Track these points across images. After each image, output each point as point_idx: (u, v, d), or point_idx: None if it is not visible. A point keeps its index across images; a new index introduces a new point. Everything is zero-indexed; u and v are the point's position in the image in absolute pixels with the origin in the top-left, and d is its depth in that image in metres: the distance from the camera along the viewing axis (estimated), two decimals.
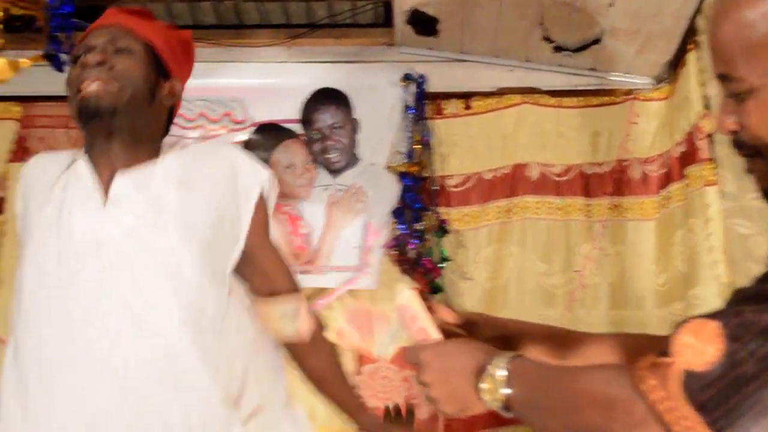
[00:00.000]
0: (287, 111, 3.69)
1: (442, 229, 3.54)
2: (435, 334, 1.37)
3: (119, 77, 1.74)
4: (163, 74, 1.84)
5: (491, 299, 3.62)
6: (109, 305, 1.63)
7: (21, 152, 3.81)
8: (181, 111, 3.68)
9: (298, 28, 3.79)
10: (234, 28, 3.84)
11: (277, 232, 3.69)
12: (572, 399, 1.11)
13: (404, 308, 1.39)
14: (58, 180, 1.77)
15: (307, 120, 3.69)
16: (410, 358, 1.31)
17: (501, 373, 1.18)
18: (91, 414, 1.59)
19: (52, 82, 3.27)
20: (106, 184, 1.74)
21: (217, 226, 1.74)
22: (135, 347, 1.61)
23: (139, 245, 1.67)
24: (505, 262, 3.65)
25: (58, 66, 2.68)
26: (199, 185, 1.76)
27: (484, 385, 1.19)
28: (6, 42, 2.53)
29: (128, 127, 1.76)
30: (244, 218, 1.79)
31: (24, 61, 2.63)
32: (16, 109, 3.85)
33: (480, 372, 1.20)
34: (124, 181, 1.73)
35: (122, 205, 1.71)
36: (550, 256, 3.65)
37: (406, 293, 1.41)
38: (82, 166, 1.76)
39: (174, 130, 3.64)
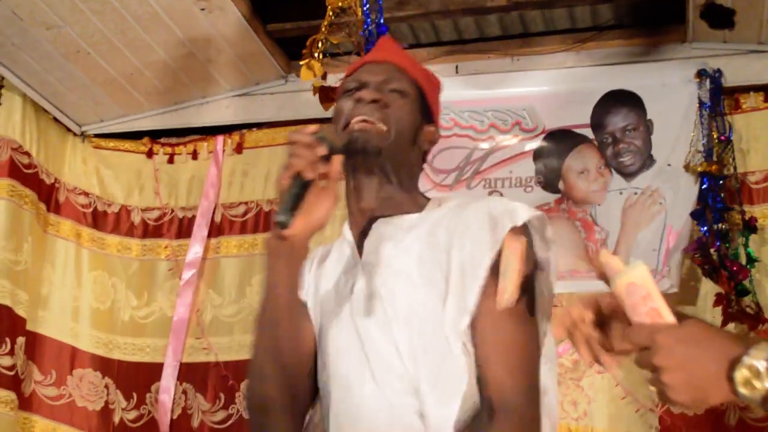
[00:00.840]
0: (577, 116, 3.68)
1: (749, 228, 3.38)
2: (669, 317, 1.24)
3: (391, 119, 1.72)
4: (426, 119, 1.82)
5: None
6: (357, 356, 1.62)
7: None
8: (472, 123, 3.81)
9: (584, 32, 3.77)
10: (520, 37, 3.87)
11: (571, 239, 3.73)
12: None
13: (635, 287, 1.25)
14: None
15: (598, 124, 3.67)
16: (640, 338, 1.22)
17: (763, 364, 1.12)
18: None
19: None
20: (360, 233, 1.73)
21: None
22: (375, 399, 1.59)
23: (389, 299, 1.62)
24: None
25: None
26: (445, 240, 1.62)
27: (741, 374, 1.12)
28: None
29: (389, 168, 1.72)
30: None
31: None
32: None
33: (734, 362, 1.13)
34: (378, 229, 1.70)
35: (375, 257, 1.68)
36: None
37: (640, 270, 1.26)
38: (346, 228, 1.78)
39: (465, 142, 3.79)
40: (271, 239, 1.62)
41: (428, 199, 1.79)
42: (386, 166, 1.71)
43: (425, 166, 1.86)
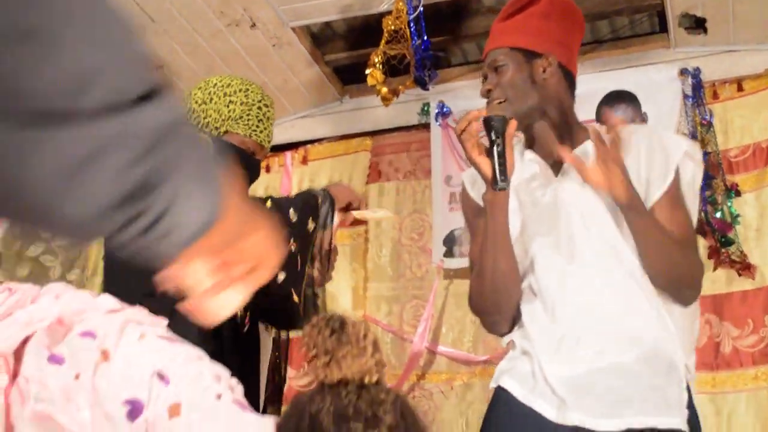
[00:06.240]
0: (585, 113, 4.41)
1: (730, 192, 4.13)
2: None
3: (504, 90, 2.11)
4: (529, 58, 2.12)
5: None
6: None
7: (375, 175, 4.83)
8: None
9: (585, 46, 4.52)
10: None
11: None
12: None
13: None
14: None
15: (601, 118, 4.42)
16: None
17: None
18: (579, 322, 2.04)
19: (395, 116, 4.25)
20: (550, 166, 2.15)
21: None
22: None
23: (585, 205, 2.06)
24: None
25: (424, 86, 3.61)
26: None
27: None
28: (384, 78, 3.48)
29: (534, 117, 2.13)
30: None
31: (401, 88, 3.58)
32: (368, 142, 4.88)
33: None
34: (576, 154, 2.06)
35: (571, 175, 2.08)
36: None
37: None
38: (531, 156, 2.17)
39: None
40: (489, 194, 1.99)
41: (585, 129, 2.17)
42: (531, 118, 2.13)
43: None
